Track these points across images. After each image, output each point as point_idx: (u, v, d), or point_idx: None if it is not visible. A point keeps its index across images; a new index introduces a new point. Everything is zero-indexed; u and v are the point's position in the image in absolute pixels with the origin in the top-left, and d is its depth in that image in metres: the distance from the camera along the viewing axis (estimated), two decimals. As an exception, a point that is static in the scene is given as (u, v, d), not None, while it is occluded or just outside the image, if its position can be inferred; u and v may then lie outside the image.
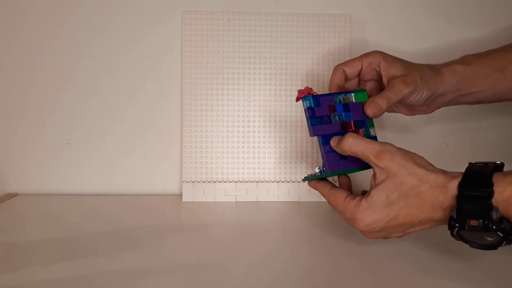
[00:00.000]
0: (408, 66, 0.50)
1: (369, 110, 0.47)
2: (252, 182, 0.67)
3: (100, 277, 0.42)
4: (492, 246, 0.38)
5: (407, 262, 0.45)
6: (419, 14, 0.69)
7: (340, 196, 0.44)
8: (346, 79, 0.51)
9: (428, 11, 0.69)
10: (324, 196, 0.47)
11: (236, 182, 0.67)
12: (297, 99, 0.48)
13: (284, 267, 0.45)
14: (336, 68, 0.51)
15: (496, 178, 0.37)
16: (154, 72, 0.68)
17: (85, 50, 0.68)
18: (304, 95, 0.47)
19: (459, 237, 0.39)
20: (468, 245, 0.39)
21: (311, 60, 0.67)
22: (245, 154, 0.67)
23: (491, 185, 0.37)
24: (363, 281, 0.42)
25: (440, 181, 0.40)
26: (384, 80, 0.50)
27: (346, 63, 0.51)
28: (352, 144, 0.43)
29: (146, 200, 0.67)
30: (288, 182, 0.67)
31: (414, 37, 0.69)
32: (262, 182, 0.67)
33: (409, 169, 0.41)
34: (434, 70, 0.51)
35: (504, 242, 0.37)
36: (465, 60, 0.52)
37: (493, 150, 0.72)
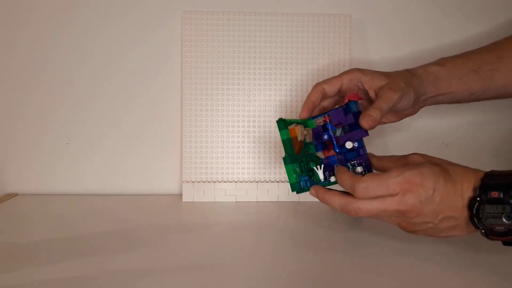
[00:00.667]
0: (388, 74, 0.51)
1: (365, 124, 0.47)
2: (252, 182, 0.67)
3: (100, 277, 0.42)
4: (508, 233, 0.38)
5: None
6: (419, 14, 0.69)
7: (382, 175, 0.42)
8: (325, 96, 0.53)
9: (428, 11, 0.69)
10: (346, 184, 0.43)
11: (236, 182, 0.67)
12: (345, 103, 0.50)
13: (284, 267, 0.45)
14: (315, 86, 0.52)
15: None
16: (154, 72, 0.68)
17: (85, 50, 0.68)
18: (356, 99, 0.49)
19: (477, 218, 0.39)
20: (484, 236, 0.40)
21: (311, 60, 0.67)
22: (245, 154, 0.67)
23: None
24: (365, 279, 0.42)
25: (469, 168, 0.42)
26: (371, 92, 0.51)
27: (326, 81, 0.52)
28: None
29: (146, 200, 0.67)
30: (288, 182, 0.67)
31: (414, 37, 0.69)
32: (262, 182, 0.67)
33: (437, 158, 0.44)
34: (411, 72, 0.53)
35: None
36: (440, 61, 0.54)
37: (493, 150, 0.72)
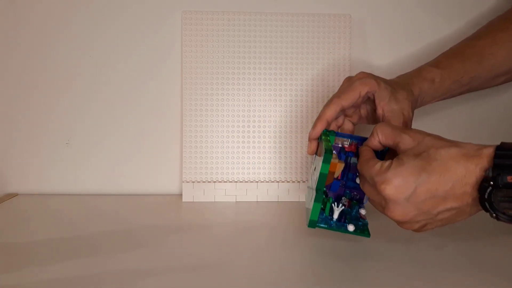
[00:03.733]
0: (396, 96, 0.50)
1: None
2: (252, 182, 0.67)
3: (100, 277, 0.42)
4: None
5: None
6: (419, 14, 0.69)
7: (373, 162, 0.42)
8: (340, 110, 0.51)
9: (427, 11, 0.69)
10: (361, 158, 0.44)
11: (236, 182, 0.67)
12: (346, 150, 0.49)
13: (284, 267, 0.45)
14: (333, 103, 0.50)
15: None
16: (154, 72, 0.68)
17: (85, 50, 0.68)
18: (353, 151, 0.49)
19: (489, 203, 0.36)
20: (495, 220, 0.37)
21: (311, 60, 0.67)
22: (245, 154, 0.67)
23: None
24: (365, 279, 0.42)
25: (472, 146, 0.38)
26: (379, 109, 0.50)
27: (344, 97, 0.50)
28: (383, 128, 0.44)
29: (146, 200, 0.67)
30: (288, 182, 0.67)
31: (414, 37, 0.69)
32: (262, 182, 0.67)
33: (436, 136, 0.41)
34: (412, 93, 0.52)
35: None
36: (430, 76, 0.54)
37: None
